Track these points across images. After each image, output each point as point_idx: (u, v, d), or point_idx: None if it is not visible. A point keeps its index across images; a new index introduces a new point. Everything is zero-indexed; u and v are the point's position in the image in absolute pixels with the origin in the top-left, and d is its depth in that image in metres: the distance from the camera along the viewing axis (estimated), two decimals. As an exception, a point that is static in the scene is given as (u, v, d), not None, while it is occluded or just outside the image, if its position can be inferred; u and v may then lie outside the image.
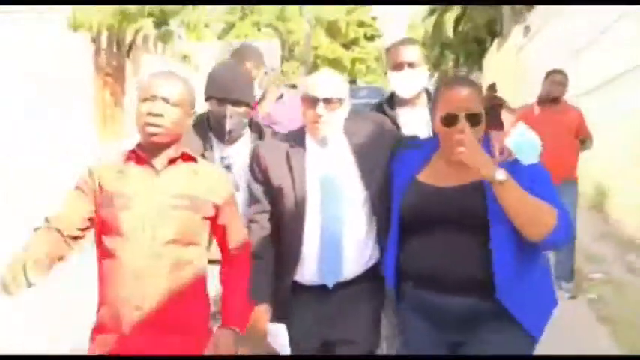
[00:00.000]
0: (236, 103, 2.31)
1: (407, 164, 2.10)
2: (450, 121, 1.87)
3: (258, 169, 2.23)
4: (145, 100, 1.82)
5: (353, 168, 2.19)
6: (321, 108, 2.10)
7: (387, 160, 2.19)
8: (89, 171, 1.89)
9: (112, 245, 1.81)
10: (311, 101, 2.13)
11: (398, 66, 2.64)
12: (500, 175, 1.74)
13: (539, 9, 11.74)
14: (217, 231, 2.00)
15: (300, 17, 30.36)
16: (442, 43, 23.36)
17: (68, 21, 11.71)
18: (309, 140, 2.22)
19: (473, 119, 1.86)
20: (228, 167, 2.36)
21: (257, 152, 2.25)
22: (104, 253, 1.84)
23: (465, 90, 1.90)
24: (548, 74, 4.80)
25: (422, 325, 1.97)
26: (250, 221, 2.22)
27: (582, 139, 4.66)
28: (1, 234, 3.56)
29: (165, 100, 1.82)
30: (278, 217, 2.21)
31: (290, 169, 2.17)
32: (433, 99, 2.01)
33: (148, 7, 10.49)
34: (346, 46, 38.96)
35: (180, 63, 14.25)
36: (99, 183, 1.85)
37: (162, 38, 12.53)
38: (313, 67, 26.70)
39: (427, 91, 2.73)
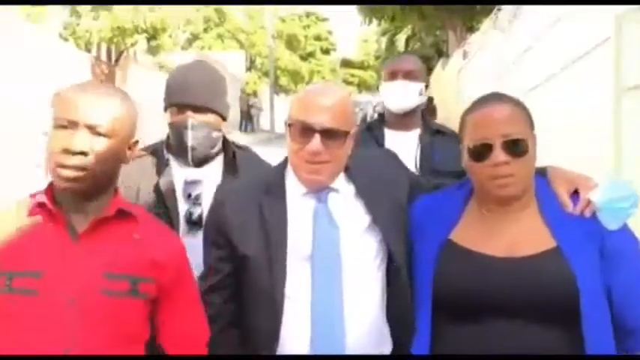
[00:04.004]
0: (200, 110, 1.83)
1: (433, 217, 1.55)
2: (480, 152, 1.40)
3: (216, 227, 1.58)
4: (61, 127, 1.28)
5: (363, 222, 1.56)
6: (317, 142, 1.46)
7: (404, 211, 1.60)
8: None
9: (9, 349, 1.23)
10: (302, 130, 1.49)
11: (392, 75, 2.39)
12: None
13: (474, 37, 13.93)
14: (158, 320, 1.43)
15: (261, 30, 32.17)
16: (394, 59, 25.58)
17: (64, 31, 13.17)
18: (292, 184, 1.58)
19: (514, 148, 1.38)
20: (196, 199, 1.83)
21: (218, 201, 1.62)
22: None
23: (500, 109, 1.42)
24: None
25: None
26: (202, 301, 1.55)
27: None
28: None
29: (91, 128, 1.28)
30: (243, 297, 1.57)
31: (263, 228, 1.53)
32: (460, 126, 1.51)
33: (142, 24, 12.14)
34: (304, 58, 41.01)
35: (160, 72, 15.82)
36: None
37: (151, 51, 14.19)
38: (275, 78, 28.49)
39: (424, 113, 2.46)
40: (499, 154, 1.38)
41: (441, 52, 22.83)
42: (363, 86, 44.19)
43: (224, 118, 1.93)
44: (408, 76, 2.36)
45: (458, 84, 14.96)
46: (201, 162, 1.89)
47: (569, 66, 6.48)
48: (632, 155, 4.88)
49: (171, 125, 1.88)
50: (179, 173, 1.88)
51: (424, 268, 1.50)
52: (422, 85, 2.39)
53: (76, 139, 1.26)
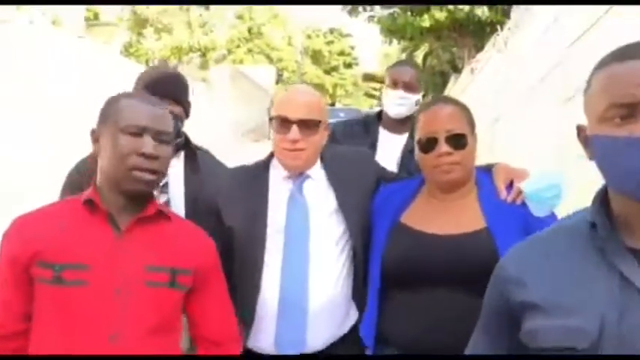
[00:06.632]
0: (164, 99, 1.83)
1: (390, 203, 1.77)
2: (427, 145, 1.63)
3: (214, 209, 1.81)
4: (131, 133, 1.37)
5: (331, 207, 1.78)
6: (294, 132, 1.70)
7: (369, 199, 1.84)
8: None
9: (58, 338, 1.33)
10: (282, 123, 1.72)
11: (394, 83, 2.64)
12: None
13: (480, 55, 15.82)
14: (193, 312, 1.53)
15: (288, 47, 34.51)
16: (412, 74, 27.45)
17: (125, 49, 15.46)
18: (275, 171, 1.81)
19: (455, 141, 1.61)
20: (163, 187, 1.95)
21: (217, 191, 1.85)
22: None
23: (445, 109, 1.66)
24: None
25: None
26: None
27: None
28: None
29: (158, 135, 1.39)
30: (231, 266, 1.74)
31: (246, 205, 1.76)
32: (413, 124, 1.76)
33: (196, 44, 14.45)
34: (328, 72, 43.23)
35: (203, 83, 18.08)
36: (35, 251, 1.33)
37: (202, 66, 16.43)
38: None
39: (413, 120, 2.43)
40: (442, 146, 1.60)
41: (456, 68, 24.68)
42: (384, 99, 45.93)
43: (187, 114, 2.06)
44: (408, 87, 2.62)
45: (464, 98, 16.79)
46: None
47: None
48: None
49: None
50: None
51: (377, 248, 1.71)
52: (419, 96, 2.69)
53: (149, 145, 1.35)
